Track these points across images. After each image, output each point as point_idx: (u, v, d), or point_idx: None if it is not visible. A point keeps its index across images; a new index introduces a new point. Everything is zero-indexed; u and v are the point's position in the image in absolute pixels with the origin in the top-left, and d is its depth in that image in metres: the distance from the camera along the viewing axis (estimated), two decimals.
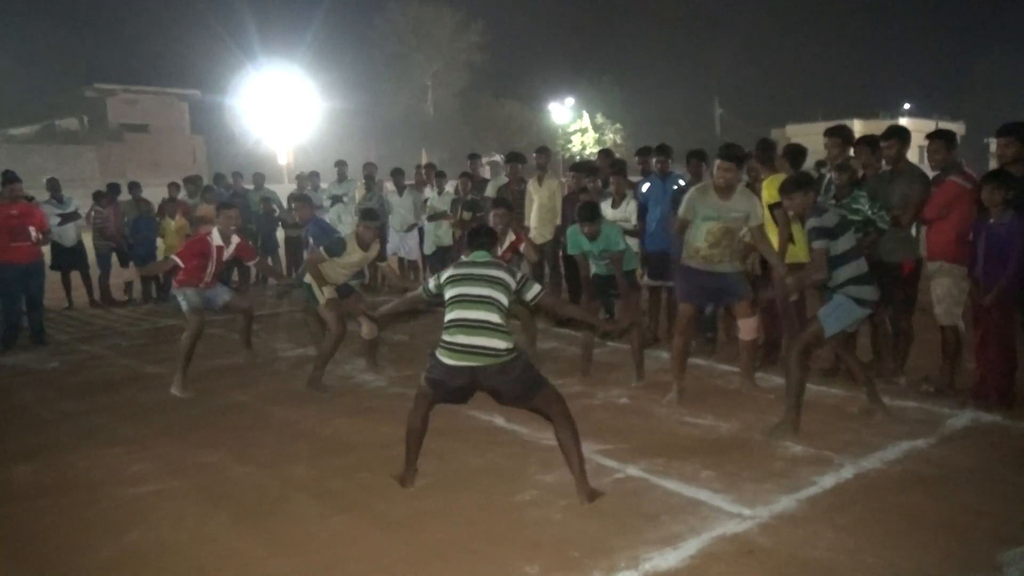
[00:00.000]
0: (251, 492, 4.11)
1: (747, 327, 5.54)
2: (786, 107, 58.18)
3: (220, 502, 3.99)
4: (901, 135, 5.52)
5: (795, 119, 49.87)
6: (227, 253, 6.42)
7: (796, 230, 5.60)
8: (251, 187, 12.22)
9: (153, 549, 3.52)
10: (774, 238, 5.68)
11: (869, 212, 5.40)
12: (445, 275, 4.07)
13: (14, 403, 6.04)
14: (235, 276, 11.45)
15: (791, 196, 4.83)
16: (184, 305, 6.28)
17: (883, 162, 5.67)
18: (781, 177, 5.75)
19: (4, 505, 4.06)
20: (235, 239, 6.44)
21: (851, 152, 5.82)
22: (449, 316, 3.89)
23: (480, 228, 4.44)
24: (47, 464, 4.61)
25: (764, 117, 53.34)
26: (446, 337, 3.83)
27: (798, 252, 5.64)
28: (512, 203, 7.04)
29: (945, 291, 5.25)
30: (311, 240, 7.00)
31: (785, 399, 4.73)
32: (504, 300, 3.92)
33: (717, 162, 5.28)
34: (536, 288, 4.13)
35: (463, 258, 4.21)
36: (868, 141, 5.70)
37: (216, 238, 6.31)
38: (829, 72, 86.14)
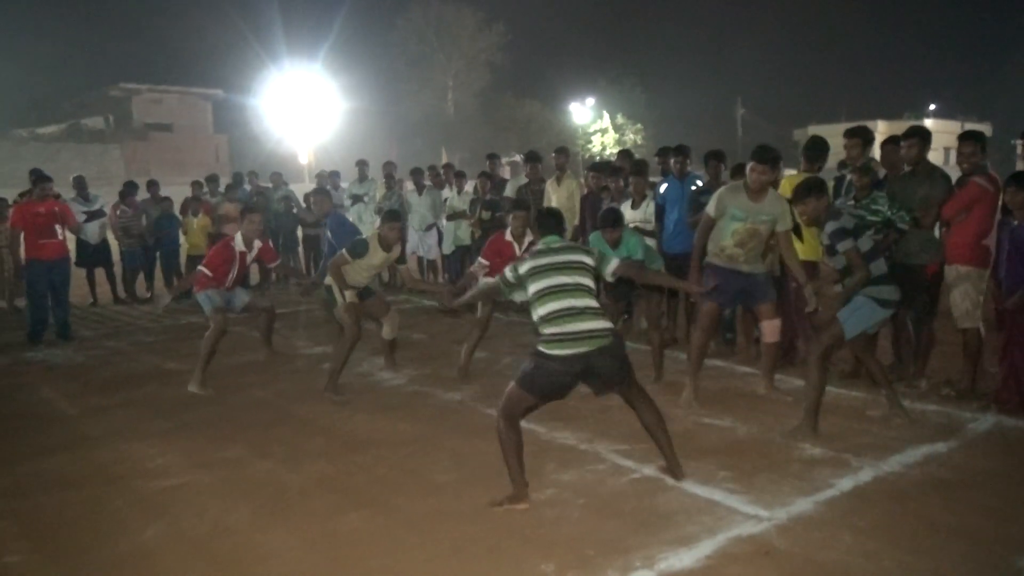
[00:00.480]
0: (271, 487, 4.17)
1: (771, 329, 5.49)
2: (809, 107, 57.79)
3: (241, 497, 4.05)
4: (922, 135, 5.48)
5: (818, 120, 49.36)
6: (250, 257, 6.54)
7: (805, 229, 5.60)
8: (270, 186, 12.36)
9: (175, 542, 3.58)
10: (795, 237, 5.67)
11: (889, 213, 5.36)
12: (525, 267, 3.96)
13: (41, 397, 6.16)
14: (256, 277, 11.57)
15: (804, 202, 4.79)
16: (207, 305, 6.37)
17: (905, 164, 5.63)
18: (796, 176, 5.73)
19: (30, 497, 4.14)
20: (257, 243, 6.53)
21: (870, 153, 5.79)
22: (546, 309, 3.79)
23: (547, 211, 4.43)
24: (72, 457, 4.70)
25: (786, 118, 52.97)
26: (553, 329, 3.74)
27: (807, 250, 5.62)
28: (531, 204, 7.05)
29: (963, 294, 5.20)
30: (329, 235, 7.05)
31: (804, 401, 4.71)
32: (591, 284, 3.97)
33: (750, 164, 5.23)
34: (614, 262, 4.18)
35: (538, 246, 4.12)
36: (895, 141, 5.65)
37: (239, 243, 6.43)
38: (853, 72, 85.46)
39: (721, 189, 5.47)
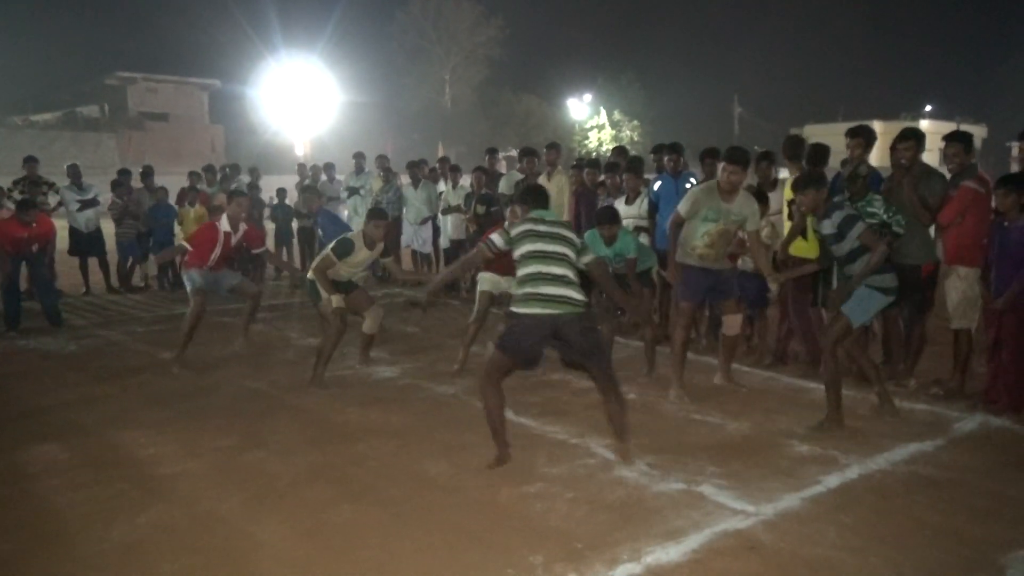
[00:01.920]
0: (263, 477, 4.18)
1: (732, 323, 5.61)
2: (806, 107, 57.86)
3: (233, 486, 4.06)
4: (918, 136, 5.51)
5: (815, 119, 49.54)
6: (234, 239, 6.70)
7: (809, 227, 5.63)
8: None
9: (167, 530, 3.59)
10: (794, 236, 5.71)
11: (884, 216, 5.39)
12: (518, 229, 4.22)
13: (33, 386, 6.15)
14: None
15: (804, 192, 4.87)
16: (189, 285, 6.60)
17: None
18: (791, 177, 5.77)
19: (23, 483, 4.16)
20: (243, 226, 6.73)
21: (870, 152, 5.83)
22: (527, 270, 4.09)
23: (532, 187, 4.67)
24: (64, 446, 4.71)
25: (784, 117, 53.06)
26: (529, 288, 4.03)
27: (808, 248, 5.66)
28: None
29: (962, 295, 5.24)
30: (320, 232, 7.12)
31: (825, 396, 4.79)
32: (574, 257, 4.19)
33: (722, 164, 5.30)
34: (591, 255, 4.37)
35: (531, 215, 4.33)
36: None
37: (224, 225, 6.61)
38: (850, 72, 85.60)
39: (695, 189, 5.56)
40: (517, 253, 4.17)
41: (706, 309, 7.00)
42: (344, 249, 5.99)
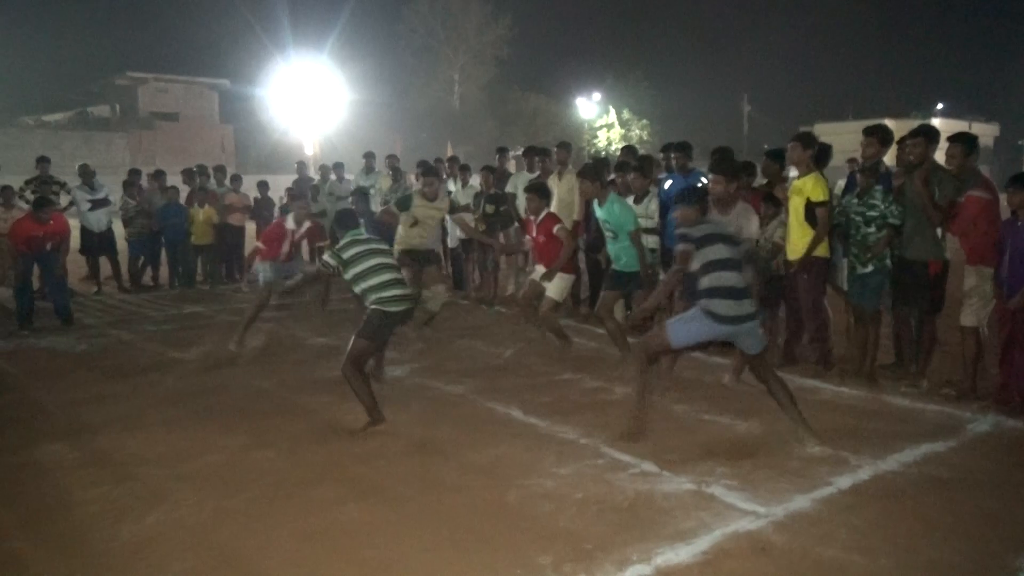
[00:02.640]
0: (271, 476, 4.19)
1: None
2: (816, 105, 57.53)
3: (241, 486, 4.07)
4: (928, 134, 5.47)
5: (825, 117, 49.29)
6: (298, 234, 7.56)
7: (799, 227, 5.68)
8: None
9: (174, 529, 3.60)
10: (807, 235, 5.67)
11: (882, 207, 5.38)
12: (350, 252, 5.13)
13: (45, 384, 6.18)
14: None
15: (675, 206, 4.78)
16: (261, 278, 7.39)
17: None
18: (811, 176, 5.71)
19: (34, 481, 4.18)
20: (307, 223, 7.60)
21: (886, 152, 5.79)
22: (379, 279, 5.08)
23: (342, 211, 5.50)
24: (74, 444, 4.73)
25: (794, 115, 52.72)
26: (391, 292, 5.08)
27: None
28: (545, 188, 7.09)
29: (980, 295, 5.20)
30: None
31: (632, 405, 4.65)
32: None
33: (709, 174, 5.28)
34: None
35: (347, 238, 5.20)
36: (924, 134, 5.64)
37: (290, 223, 7.53)
38: (861, 70, 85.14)
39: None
40: (362, 267, 5.07)
41: None
42: (404, 204, 7.09)
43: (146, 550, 3.41)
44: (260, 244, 7.48)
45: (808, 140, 5.86)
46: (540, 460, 4.32)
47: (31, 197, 9.78)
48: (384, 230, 7.49)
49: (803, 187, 5.69)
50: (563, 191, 8.34)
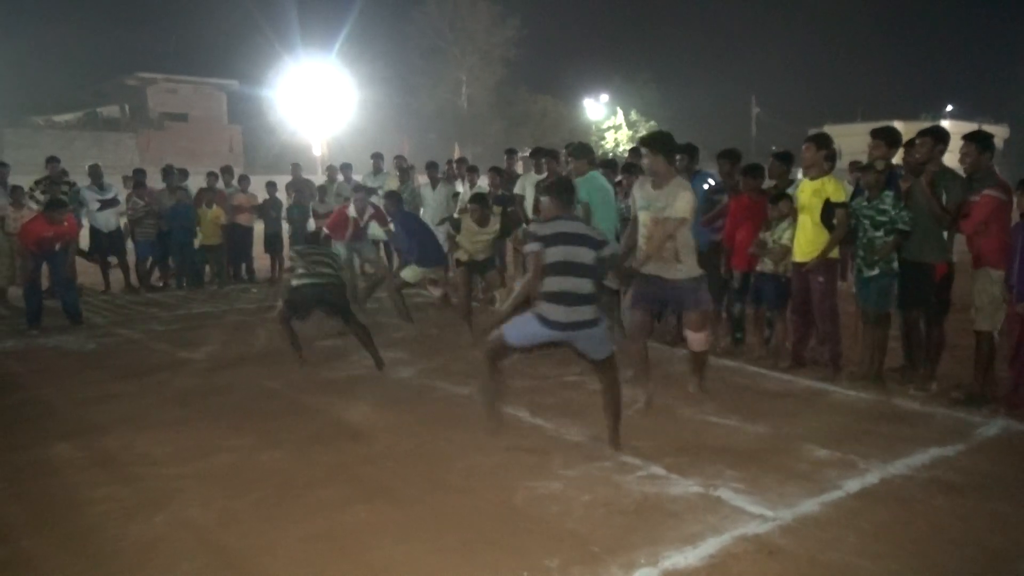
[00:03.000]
0: (279, 477, 4.20)
1: (695, 340, 5.32)
2: (825, 107, 57.36)
3: (248, 486, 4.07)
4: (935, 135, 5.44)
5: (834, 119, 49.09)
6: (362, 222, 8.75)
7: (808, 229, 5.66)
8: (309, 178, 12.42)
9: (182, 528, 3.61)
10: (822, 237, 5.66)
11: (892, 211, 5.36)
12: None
13: (54, 383, 6.21)
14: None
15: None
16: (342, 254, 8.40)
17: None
18: (829, 178, 5.71)
19: (40, 480, 4.19)
20: (370, 210, 8.77)
21: (895, 154, 5.77)
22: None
23: (312, 234, 6.31)
24: (82, 444, 4.74)
25: (802, 117, 52.58)
26: (301, 269, 6.53)
27: (807, 250, 5.79)
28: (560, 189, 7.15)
29: (991, 297, 5.17)
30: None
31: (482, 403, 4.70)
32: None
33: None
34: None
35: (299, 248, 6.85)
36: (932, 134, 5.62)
37: (352, 211, 8.71)
38: (870, 71, 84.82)
39: (635, 184, 5.53)
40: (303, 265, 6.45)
41: (723, 312, 6.96)
42: (455, 226, 7.50)
43: (154, 550, 3.42)
44: (325, 230, 8.74)
45: (822, 141, 5.85)
46: (547, 462, 4.32)
47: (41, 197, 9.84)
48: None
49: (822, 188, 5.67)
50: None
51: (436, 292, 8.11)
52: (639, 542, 3.38)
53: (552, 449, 4.53)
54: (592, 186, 6.48)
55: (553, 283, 4.22)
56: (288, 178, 12.56)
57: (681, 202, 4.97)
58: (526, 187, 9.04)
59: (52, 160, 10.83)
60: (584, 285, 4.26)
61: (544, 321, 4.24)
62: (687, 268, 5.11)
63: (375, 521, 3.65)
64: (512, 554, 3.32)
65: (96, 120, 41.58)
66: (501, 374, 4.72)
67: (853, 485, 3.96)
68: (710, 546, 3.34)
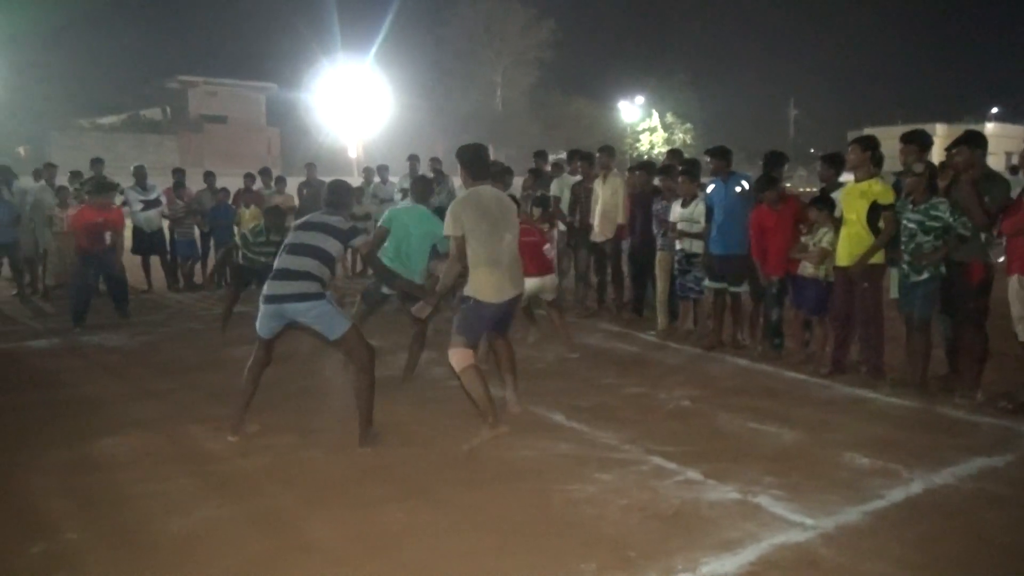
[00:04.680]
0: (317, 475, 4.24)
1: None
2: (864, 109, 56.38)
3: (287, 484, 4.12)
4: (971, 140, 5.33)
5: (873, 122, 48.30)
6: None
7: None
8: (326, 179, 12.54)
9: (221, 525, 3.66)
10: (868, 240, 5.59)
11: (950, 219, 5.23)
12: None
13: (96, 380, 6.34)
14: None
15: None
16: None
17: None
18: (876, 179, 5.63)
19: (86, 475, 4.28)
20: None
21: (928, 157, 5.66)
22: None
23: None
24: (126, 440, 4.83)
25: (841, 119, 51.86)
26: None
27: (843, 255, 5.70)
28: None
29: (1020, 303, 5.04)
30: None
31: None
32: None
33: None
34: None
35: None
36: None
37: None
38: (911, 73, 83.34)
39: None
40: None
41: (760, 314, 6.87)
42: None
43: (194, 545, 3.47)
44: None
45: (869, 142, 5.76)
46: (583, 465, 4.30)
47: (86, 198, 10.07)
48: None
49: (869, 189, 5.58)
50: (607, 194, 8.32)
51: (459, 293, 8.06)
52: (676, 548, 3.35)
53: (587, 452, 4.51)
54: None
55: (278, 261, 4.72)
56: (323, 179, 12.67)
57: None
58: (562, 188, 9.03)
59: (96, 161, 11.08)
60: (302, 263, 4.58)
61: (263, 297, 4.68)
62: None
63: (411, 521, 3.67)
64: (548, 557, 3.31)
65: (139, 122, 42.47)
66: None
67: (896, 494, 3.88)
68: (749, 553, 3.30)
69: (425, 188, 6.42)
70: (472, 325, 4.75)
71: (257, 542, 3.49)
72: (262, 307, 4.67)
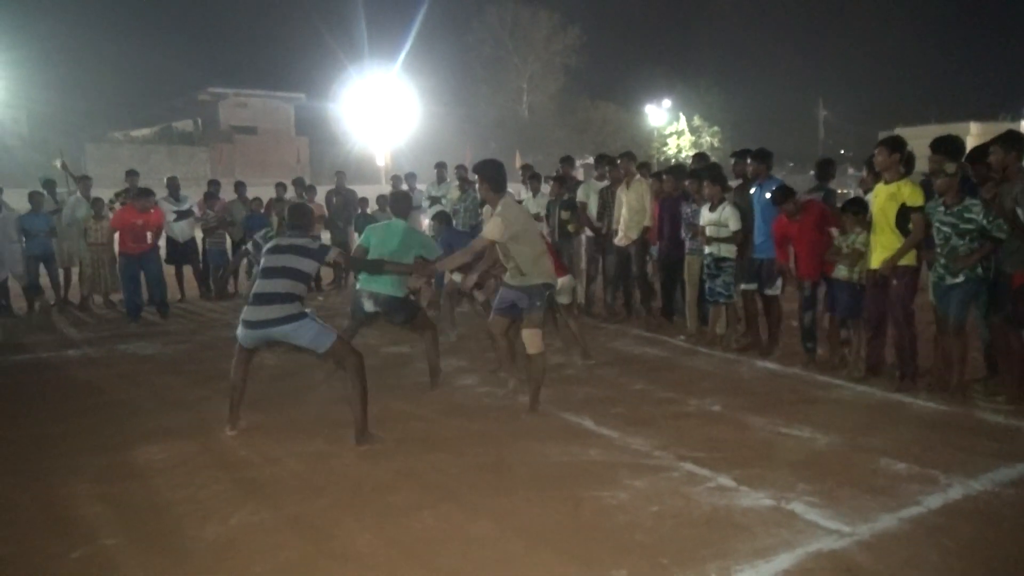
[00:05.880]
0: (348, 482, 4.26)
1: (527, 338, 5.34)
2: (896, 108, 55.39)
3: (319, 490, 4.15)
4: (1006, 140, 5.22)
5: (906, 121, 47.50)
6: None
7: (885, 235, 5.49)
8: (355, 187, 12.67)
9: (255, 531, 3.69)
10: (897, 242, 5.50)
11: (984, 222, 5.13)
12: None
13: (135, 388, 6.45)
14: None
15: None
16: None
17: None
18: (905, 181, 5.55)
19: (123, 482, 4.35)
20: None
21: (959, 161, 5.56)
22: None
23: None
24: (161, 447, 4.91)
25: (872, 119, 51.07)
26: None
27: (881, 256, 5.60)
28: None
29: None
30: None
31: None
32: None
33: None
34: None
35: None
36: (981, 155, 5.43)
37: None
38: (944, 70, 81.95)
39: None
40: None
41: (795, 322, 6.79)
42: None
43: (230, 551, 3.51)
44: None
45: (895, 144, 5.67)
46: (614, 471, 4.28)
47: (127, 202, 10.33)
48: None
49: (898, 192, 5.50)
50: (632, 199, 8.30)
51: (480, 297, 7.94)
52: (710, 555, 3.32)
53: (618, 458, 4.49)
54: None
55: (256, 286, 4.96)
56: (354, 189, 12.79)
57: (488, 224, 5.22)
58: (589, 194, 9.02)
59: (131, 173, 11.28)
60: (276, 285, 4.79)
61: (243, 323, 4.91)
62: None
63: (443, 527, 3.67)
64: (579, 564, 3.29)
65: (171, 134, 43.20)
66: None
67: (934, 501, 3.81)
68: (784, 561, 3.26)
69: (403, 203, 6.40)
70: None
71: (290, 548, 3.52)
72: (245, 330, 4.89)
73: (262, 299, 4.78)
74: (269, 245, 5.02)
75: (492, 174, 5.26)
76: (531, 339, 5.28)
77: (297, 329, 4.76)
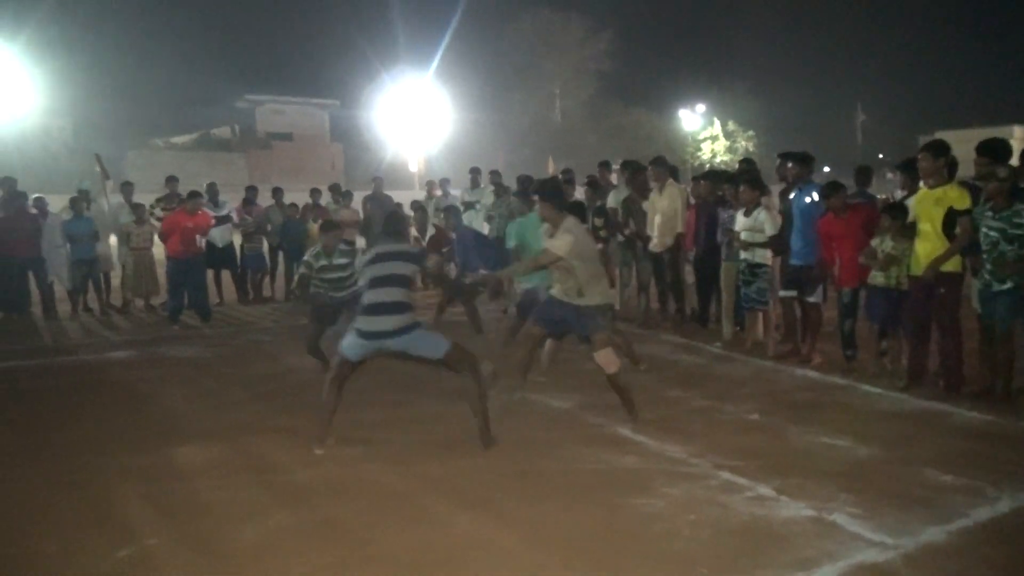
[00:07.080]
0: (381, 487, 4.28)
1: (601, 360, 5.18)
2: (936, 111, 54.43)
3: (354, 495, 4.17)
4: None
5: (947, 125, 46.60)
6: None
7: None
8: (390, 193, 12.77)
9: (293, 533, 3.72)
10: (942, 247, 5.41)
11: None
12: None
13: (174, 391, 6.54)
14: None
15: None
16: None
17: None
18: (952, 185, 5.44)
19: (164, 482, 4.41)
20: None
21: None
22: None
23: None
24: (202, 448, 4.98)
25: (911, 123, 50.23)
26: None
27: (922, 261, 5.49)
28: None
29: None
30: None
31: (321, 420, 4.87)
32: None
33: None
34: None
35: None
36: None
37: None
38: (986, 72, 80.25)
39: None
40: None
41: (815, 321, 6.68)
42: None
43: (268, 552, 3.54)
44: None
45: (939, 148, 5.56)
46: (650, 479, 4.24)
47: (161, 215, 10.52)
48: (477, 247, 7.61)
49: (944, 196, 5.39)
50: (664, 205, 8.23)
51: (501, 305, 7.98)
52: (749, 566, 3.27)
53: (654, 466, 4.45)
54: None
55: (368, 296, 4.81)
56: (389, 195, 12.87)
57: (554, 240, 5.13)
58: (619, 200, 8.97)
59: (171, 179, 11.51)
60: (390, 294, 4.70)
61: (358, 332, 4.76)
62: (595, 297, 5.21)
63: (475, 534, 3.67)
64: (614, 573, 3.26)
65: (209, 141, 44.03)
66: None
67: (982, 513, 3.71)
68: (826, 573, 3.19)
69: (399, 226, 5.85)
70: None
71: (325, 552, 3.53)
72: (357, 339, 4.73)
73: (378, 309, 4.68)
74: (372, 254, 4.92)
75: (554, 194, 5.31)
76: (606, 359, 5.16)
77: (416, 339, 4.71)
